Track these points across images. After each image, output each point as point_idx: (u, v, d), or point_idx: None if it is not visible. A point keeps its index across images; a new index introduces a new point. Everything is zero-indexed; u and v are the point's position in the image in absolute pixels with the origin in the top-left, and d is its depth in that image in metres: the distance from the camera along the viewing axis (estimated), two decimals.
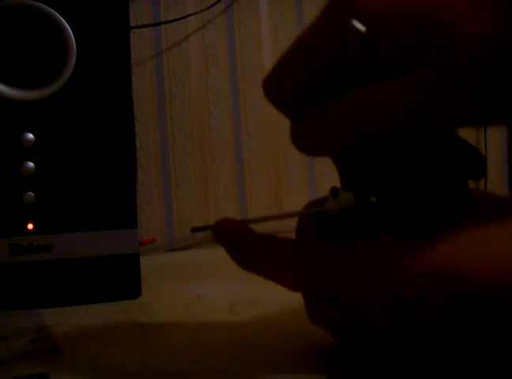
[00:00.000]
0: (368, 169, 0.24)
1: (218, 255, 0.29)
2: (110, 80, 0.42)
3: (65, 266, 0.41)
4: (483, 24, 0.19)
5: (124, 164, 0.42)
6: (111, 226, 0.42)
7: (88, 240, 0.41)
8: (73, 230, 0.41)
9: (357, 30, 0.21)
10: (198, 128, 0.82)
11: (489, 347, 0.20)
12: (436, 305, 0.20)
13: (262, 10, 0.85)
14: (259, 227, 0.27)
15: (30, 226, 0.40)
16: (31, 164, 0.40)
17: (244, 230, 0.27)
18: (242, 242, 0.26)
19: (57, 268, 0.40)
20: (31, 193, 0.40)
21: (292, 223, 0.28)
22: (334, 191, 0.25)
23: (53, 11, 0.40)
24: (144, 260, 0.44)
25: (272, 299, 0.39)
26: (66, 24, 0.40)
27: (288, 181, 0.85)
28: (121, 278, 0.42)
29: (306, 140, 0.24)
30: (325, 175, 0.87)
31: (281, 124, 0.84)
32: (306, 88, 0.24)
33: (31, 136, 0.40)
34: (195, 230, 0.29)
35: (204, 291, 0.44)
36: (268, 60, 0.85)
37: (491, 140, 0.95)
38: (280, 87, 0.24)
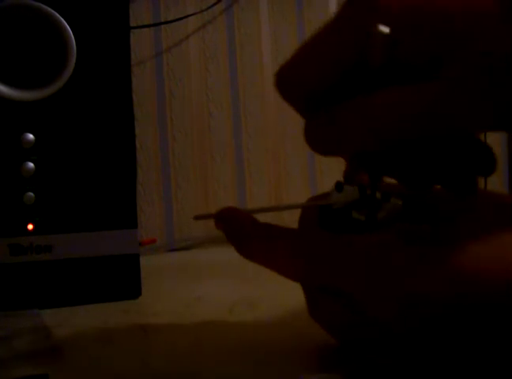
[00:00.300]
0: (380, 166, 0.24)
1: (218, 255, 0.29)
2: (110, 81, 0.42)
3: (65, 266, 0.41)
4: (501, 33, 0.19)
5: (124, 164, 0.42)
6: (111, 226, 0.42)
7: (88, 240, 0.41)
8: (73, 231, 0.41)
9: (381, 31, 0.21)
10: (198, 128, 0.82)
11: (492, 348, 0.20)
12: (440, 303, 0.20)
13: (262, 10, 0.85)
14: (259, 218, 0.27)
15: (30, 226, 0.40)
16: (31, 164, 0.40)
17: (247, 218, 0.26)
18: (245, 230, 0.26)
19: (57, 268, 0.40)
20: (31, 194, 0.40)
21: (291, 217, 0.28)
22: (339, 185, 0.25)
23: (53, 11, 0.40)
24: (144, 261, 0.44)
25: (272, 300, 0.39)
26: (66, 24, 0.40)
27: (288, 181, 0.85)
28: (121, 278, 0.42)
29: (322, 140, 0.24)
30: (325, 175, 0.87)
31: (281, 124, 0.84)
32: (324, 86, 0.23)
33: (31, 136, 0.40)
34: (198, 217, 0.29)
35: (204, 291, 0.44)
36: (268, 60, 0.85)
37: (491, 140, 0.95)
38: (296, 82, 0.24)
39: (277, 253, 0.25)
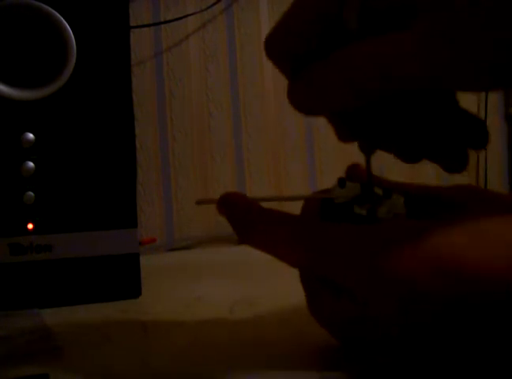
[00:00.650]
0: (365, 129, 0.24)
1: (218, 255, 0.29)
2: (110, 81, 0.42)
3: (65, 266, 0.41)
4: None
5: (124, 164, 0.42)
6: (111, 226, 0.42)
7: (88, 240, 0.41)
8: (73, 230, 0.41)
9: None
10: (198, 128, 0.82)
11: (492, 346, 0.20)
12: (440, 300, 0.20)
13: (262, 10, 0.85)
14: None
15: (30, 226, 0.40)
16: (31, 164, 0.40)
17: (250, 203, 0.26)
18: (247, 216, 0.26)
19: (57, 267, 0.40)
20: (31, 193, 0.40)
21: (292, 209, 0.27)
22: (342, 181, 0.25)
23: (53, 11, 0.40)
24: (144, 260, 0.44)
25: (273, 299, 0.39)
26: (66, 24, 0.40)
27: (288, 181, 0.85)
28: (121, 278, 0.42)
29: (304, 99, 0.24)
30: (325, 175, 0.87)
31: (281, 124, 0.84)
32: (304, 45, 0.24)
33: (31, 136, 0.40)
34: (200, 202, 0.29)
35: (204, 291, 0.44)
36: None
37: (490, 140, 0.95)
38: (280, 43, 0.25)
39: (278, 238, 0.25)
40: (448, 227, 0.21)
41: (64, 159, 0.41)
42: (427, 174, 0.84)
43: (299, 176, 0.86)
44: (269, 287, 0.42)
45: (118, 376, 0.26)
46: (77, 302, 0.41)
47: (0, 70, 0.39)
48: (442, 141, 0.25)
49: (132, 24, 0.72)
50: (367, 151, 0.25)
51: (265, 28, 0.85)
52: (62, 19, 0.40)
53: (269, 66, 0.84)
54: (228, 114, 0.83)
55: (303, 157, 0.86)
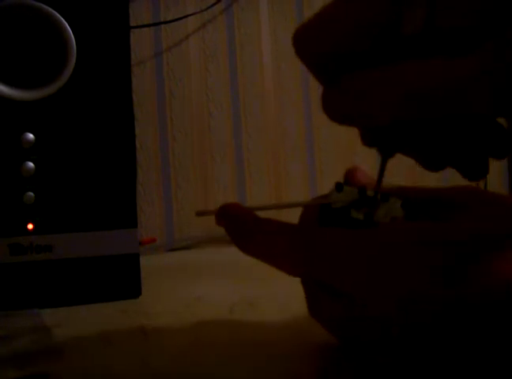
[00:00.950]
0: (394, 142, 0.24)
1: (218, 255, 0.29)
2: (110, 81, 0.42)
3: (66, 266, 0.41)
4: None
5: (124, 164, 0.42)
6: (111, 226, 0.42)
7: (88, 240, 0.41)
8: (73, 230, 0.41)
9: None
10: (198, 128, 0.82)
11: (491, 346, 0.20)
12: (440, 301, 0.20)
13: (262, 10, 0.85)
14: (259, 216, 0.27)
15: (30, 226, 0.40)
16: (31, 164, 0.40)
17: (248, 214, 0.26)
18: (246, 226, 0.26)
19: (57, 268, 0.40)
20: (31, 193, 0.40)
21: (290, 216, 0.28)
22: (339, 186, 0.25)
23: (53, 11, 0.40)
24: (144, 260, 0.44)
25: (273, 299, 0.39)
26: (66, 24, 0.40)
27: (288, 181, 0.85)
28: (121, 278, 0.42)
29: (340, 108, 0.22)
30: (325, 175, 0.87)
31: (281, 124, 0.84)
32: (347, 49, 0.21)
33: (31, 136, 0.40)
34: (200, 214, 0.29)
35: (204, 291, 0.44)
36: (268, 60, 0.85)
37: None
38: (317, 41, 0.21)
39: (277, 248, 0.25)
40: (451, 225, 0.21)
41: (64, 160, 0.41)
42: (427, 174, 0.84)
43: (299, 176, 0.86)
44: (269, 287, 0.42)
45: (118, 376, 0.26)
46: (77, 302, 0.41)
47: (0, 70, 0.39)
48: (466, 150, 0.24)
49: (132, 24, 0.72)
50: (387, 155, 0.24)
51: (265, 28, 0.85)
52: (62, 19, 0.40)
53: (269, 66, 0.84)
54: (228, 114, 0.83)
55: (303, 157, 0.86)
